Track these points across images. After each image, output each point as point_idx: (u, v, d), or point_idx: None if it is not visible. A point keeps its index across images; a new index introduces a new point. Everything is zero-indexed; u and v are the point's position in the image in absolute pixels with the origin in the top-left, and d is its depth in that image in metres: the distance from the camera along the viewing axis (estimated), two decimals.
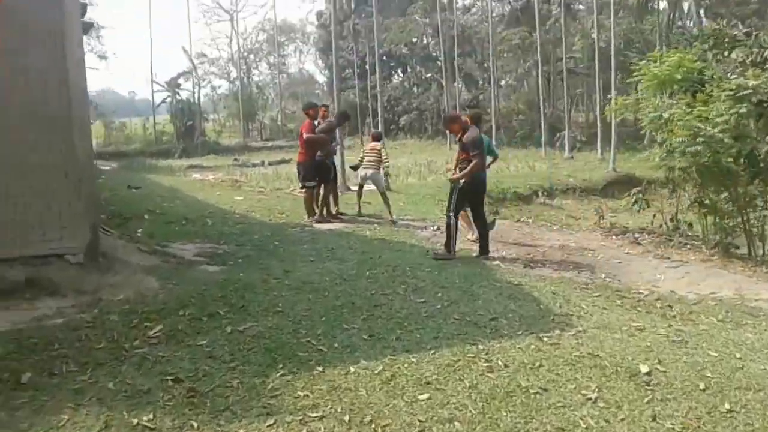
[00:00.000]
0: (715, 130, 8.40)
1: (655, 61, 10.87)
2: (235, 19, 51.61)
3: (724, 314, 6.36)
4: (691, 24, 33.82)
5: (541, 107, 30.27)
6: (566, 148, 26.52)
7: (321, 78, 65.92)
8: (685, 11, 38.40)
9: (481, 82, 44.62)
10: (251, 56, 55.06)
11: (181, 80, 46.56)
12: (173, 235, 9.00)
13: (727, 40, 10.37)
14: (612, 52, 23.20)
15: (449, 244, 8.22)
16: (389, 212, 11.15)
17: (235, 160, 30.58)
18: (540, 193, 18.73)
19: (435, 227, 10.60)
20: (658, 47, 25.90)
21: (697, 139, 8.59)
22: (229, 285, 6.32)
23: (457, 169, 8.44)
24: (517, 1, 36.18)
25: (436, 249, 8.44)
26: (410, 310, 5.79)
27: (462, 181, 8.16)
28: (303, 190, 11.09)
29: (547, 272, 7.54)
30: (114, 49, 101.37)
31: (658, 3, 28.75)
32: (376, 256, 8.00)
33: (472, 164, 8.00)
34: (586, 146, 30.38)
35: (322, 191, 10.95)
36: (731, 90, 8.43)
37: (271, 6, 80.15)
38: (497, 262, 7.83)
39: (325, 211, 10.98)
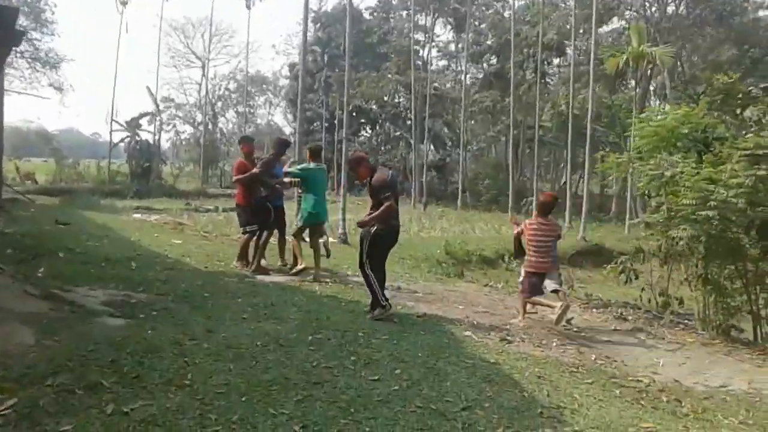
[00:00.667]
0: (729, 194, 7.34)
1: (656, 115, 9.94)
2: (206, 66, 50.84)
3: (744, 414, 5.16)
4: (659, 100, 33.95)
5: (511, 172, 29.61)
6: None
7: (289, 130, 65.23)
8: (652, 88, 38.83)
9: (449, 144, 44.20)
10: (219, 103, 54.05)
11: (142, 121, 45.06)
12: (84, 278, 7.51)
13: (740, 96, 9.47)
14: (588, 121, 22.66)
15: (376, 297, 6.97)
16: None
17: (188, 204, 29.01)
18: (506, 258, 17.59)
19: (396, 286, 9.29)
20: (633, 119, 25.55)
21: (708, 203, 7.51)
22: (127, 345, 4.89)
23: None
24: (491, 66, 36.01)
25: (371, 314, 7.11)
26: (360, 391, 4.46)
27: (374, 228, 7.01)
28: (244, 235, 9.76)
29: (527, 348, 6.25)
30: (73, 82, 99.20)
31: (633, 76, 28.58)
32: (323, 316, 6.64)
33: (383, 207, 6.90)
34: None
35: (266, 237, 9.60)
36: (748, 149, 7.44)
37: (245, 56, 79.78)
38: (468, 333, 6.52)
39: (263, 262, 9.63)
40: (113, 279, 7.70)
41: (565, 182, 41.96)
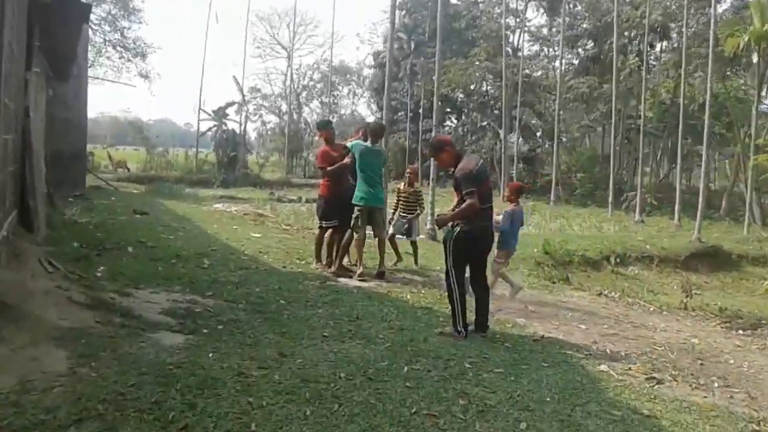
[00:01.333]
0: None
1: None
2: (291, 56, 50.66)
3: None
4: None
5: (612, 164, 27.54)
6: (636, 210, 23.68)
7: (372, 120, 64.59)
8: None
9: (539, 134, 42.17)
10: (304, 93, 53.78)
11: (229, 110, 45.26)
12: (148, 278, 6.65)
13: None
14: (707, 110, 20.41)
15: (455, 319, 5.80)
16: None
17: (271, 194, 28.55)
18: (611, 259, 15.93)
19: (499, 294, 8.02)
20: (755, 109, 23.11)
21: None
22: (179, 377, 3.88)
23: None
24: (587, 51, 33.79)
25: (443, 329, 5.92)
26: None
27: (457, 228, 5.79)
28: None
29: (684, 392, 4.86)
30: (162, 71, 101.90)
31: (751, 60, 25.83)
32: (419, 336, 5.47)
33: (464, 204, 5.65)
34: (655, 210, 27.46)
35: (349, 235, 8.52)
36: None
37: (329, 46, 79.58)
38: (603, 366, 5.19)
39: (346, 262, 8.59)
40: (181, 280, 6.81)
41: (665, 176, 39.29)
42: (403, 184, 10.38)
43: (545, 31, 42.04)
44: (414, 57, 40.89)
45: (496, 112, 40.87)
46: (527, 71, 37.68)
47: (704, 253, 17.55)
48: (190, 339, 4.76)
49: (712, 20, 21.26)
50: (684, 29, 24.61)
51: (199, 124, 44.45)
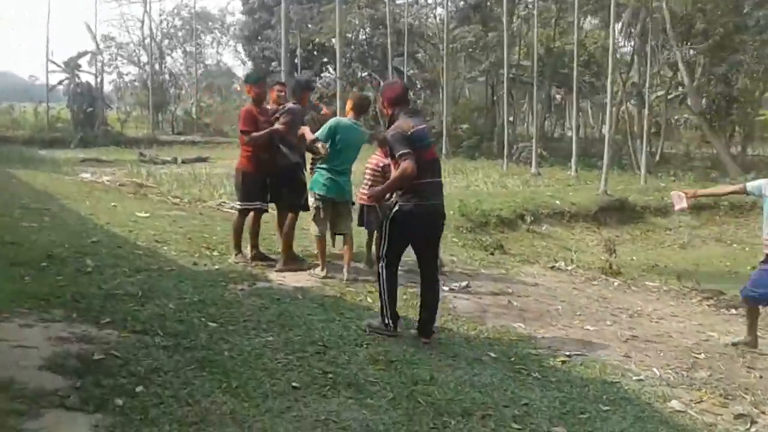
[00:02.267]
0: None
1: None
2: (148, 1, 46.06)
3: None
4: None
5: (504, 113, 27.01)
6: (533, 163, 23.24)
7: (241, 71, 60.99)
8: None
9: (419, 86, 41.15)
10: (165, 41, 49.44)
11: (82, 61, 40.56)
12: (13, 298, 4.72)
13: None
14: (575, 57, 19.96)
15: (382, 310, 4.86)
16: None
17: (141, 155, 25.61)
18: (525, 218, 15.17)
19: (464, 285, 6.72)
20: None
21: None
22: None
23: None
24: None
25: (370, 320, 4.95)
26: None
27: (395, 206, 4.80)
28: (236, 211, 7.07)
29: None
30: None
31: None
32: (422, 374, 4.01)
33: (397, 172, 4.68)
34: (543, 161, 27.25)
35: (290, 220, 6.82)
36: None
37: None
38: (673, 403, 3.96)
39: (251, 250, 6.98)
40: (60, 297, 4.92)
41: (540, 126, 39.49)
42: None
43: None
44: (287, 2, 38.23)
45: (375, 62, 39.36)
46: (408, 20, 36.30)
47: (611, 206, 17.25)
48: (100, 425, 3.03)
49: None
50: None
51: (48, 76, 39.57)
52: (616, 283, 8.59)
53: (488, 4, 32.67)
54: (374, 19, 34.50)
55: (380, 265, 4.89)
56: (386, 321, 4.82)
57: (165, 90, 46.22)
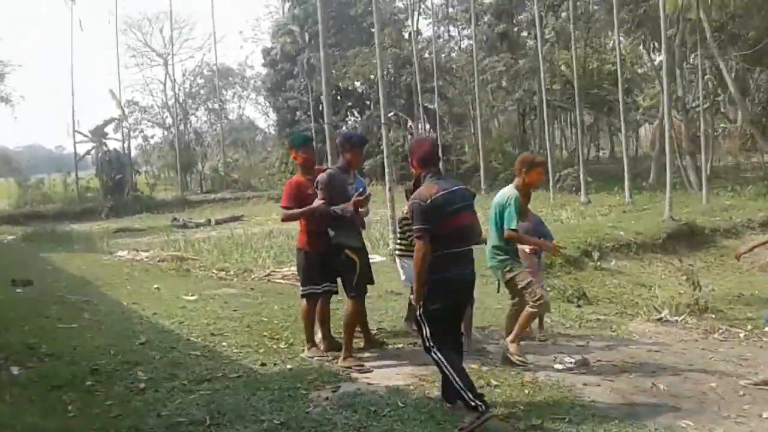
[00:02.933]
0: None
1: None
2: (170, 63, 46.31)
3: None
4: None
5: (547, 140, 25.93)
6: (582, 190, 22.11)
7: (264, 123, 61.13)
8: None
9: (446, 121, 40.36)
10: (189, 101, 49.53)
11: (108, 129, 40.63)
12: None
13: None
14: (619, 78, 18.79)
15: (464, 396, 4.12)
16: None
17: (175, 219, 25.03)
18: (592, 254, 14.00)
19: (578, 360, 5.61)
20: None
21: None
22: None
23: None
24: (494, 27, 32.06)
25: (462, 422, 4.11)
26: None
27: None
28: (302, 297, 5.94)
29: None
30: (25, 92, 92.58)
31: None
32: None
33: (414, 257, 4.40)
34: (590, 187, 26.07)
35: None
36: None
37: (208, 49, 74.81)
38: None
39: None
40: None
41: (573, 149, 38.37)
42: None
43: (442, 11, 40.24)
44: (310, 50, 37.96)
45: (401, 101, 38.74)
46: (428, 54, 35.72)
47: (680, 232, 15.99)
48: None
49: None
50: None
51: (75, 146, 39.69)
52: (741, 334, 7.39)
53: (515, 30, 31.94)
54: (399, 58, 33.86)
55: (433, 352, 4.31)
56: (474, 403, 4.05)
57: (191, 149, 46.11)
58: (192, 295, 8.56)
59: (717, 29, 24.17)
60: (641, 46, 31.90)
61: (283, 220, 5.99)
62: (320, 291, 5.72)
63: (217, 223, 24.67)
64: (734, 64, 26.59)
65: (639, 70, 36.48)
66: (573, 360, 5.58)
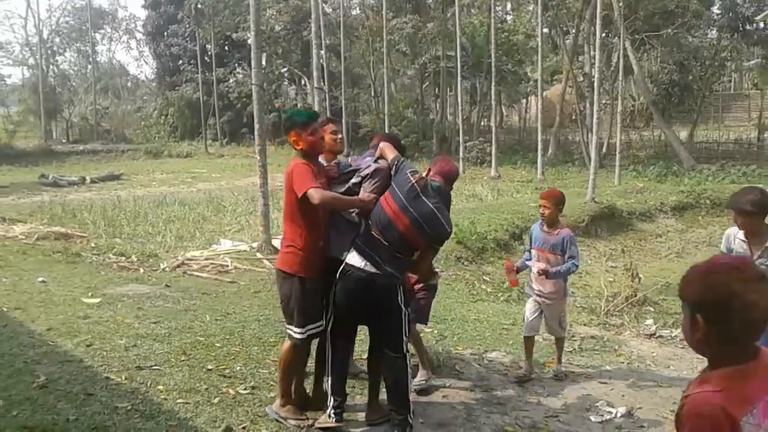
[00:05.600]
0: None
1: None
2: None
3: None
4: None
5: (459, 108, 25.02)
6: (493, 164, 21.44)
7: (136, 69, 56.46)
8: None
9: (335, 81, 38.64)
10: (57, 39, 44.43)
11: None
12: None
13: None
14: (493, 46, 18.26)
15: None
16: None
17: (43, 176, 21.97)
18: (519, 236, 13.29)
19: (613, 410, 4.59)
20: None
21: None
22: None
23: None
24: None
25: None
26: None
27: None
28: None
29: None
30: None
31: None
32: None
33: None
34: (486, 158, 25.53)
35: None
36: None
37: None
38: None
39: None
40: None
41: (466, 118, 37.95)
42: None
43: None
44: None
45: (294, 56, 36.64)
46: (332, 11, 33.81)
47: (602, 215, 15.62)
48: None
49: None
50: None
51: None
52: None
53: None
54: (301, 10, 31.65)
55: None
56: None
57: (56, 93, 41.57)
58: (93, 296, 6.78)
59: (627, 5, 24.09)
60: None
61: (325, 203, 3.96)
62: (319, 331, 4.23)
63: (93, 182, 21.97)
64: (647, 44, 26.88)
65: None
66: (613, 411, 4.55)
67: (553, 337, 5.51)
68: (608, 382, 5.23)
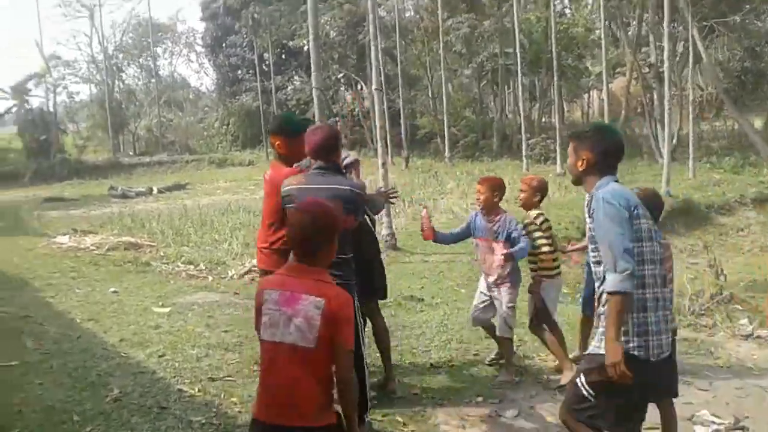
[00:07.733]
0: None
1: None
2: (97, 15, 42.36)
3: None
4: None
5: (520, 106, 24.53)
6: (557, 162, 20.88)
7: (197, 81, 57.58)
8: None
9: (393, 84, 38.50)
10: (120, 56, 45.80)
11: (30, 85, 37.02)
12: None
13: None
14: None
15: None
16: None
17: (112, 188, 22.52)
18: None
19: (719, 422, 4.20)
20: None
21: None
22: None
23: None
24: None
25: None
26: None
27: None
28: None
29: None
30: None
31: None
32: None
33: None
34: (551, 155, 24.88)
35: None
36: None
37: (138, 1, 69.64)
38: None
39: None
40: None
41: (526, 115, 37.18)
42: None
43: None
44: (255, 4, 35.19)
45: (350, 61, 36.60)
46: (386, 14, 33.66)
47: (678, 209, 14.91)
48: None
49: None
50: None
51: None
52: None
53: None
54: (355, 15, 31.66)
55: None
56: None
57: (123, 108, 42.83)
58: (163, 306, 6.75)
59: None
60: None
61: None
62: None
63: (160, 192, 22.38)
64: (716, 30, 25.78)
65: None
66: (720, 422, 4.16)
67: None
68: (708, 389, 4.83)
